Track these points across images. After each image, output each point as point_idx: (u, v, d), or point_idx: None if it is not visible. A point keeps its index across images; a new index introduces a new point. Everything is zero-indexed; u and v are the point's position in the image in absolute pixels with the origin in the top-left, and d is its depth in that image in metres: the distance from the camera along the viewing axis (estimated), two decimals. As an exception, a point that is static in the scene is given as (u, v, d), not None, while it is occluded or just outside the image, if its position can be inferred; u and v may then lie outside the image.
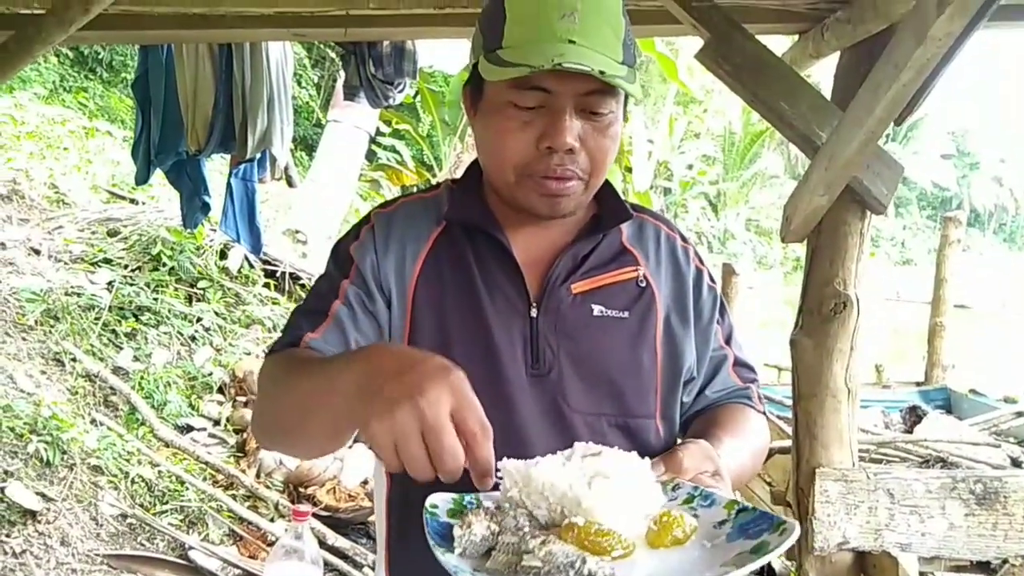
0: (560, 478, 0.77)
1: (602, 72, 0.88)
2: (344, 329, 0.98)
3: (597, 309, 1.01)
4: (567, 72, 0.88)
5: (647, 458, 0.85)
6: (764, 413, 1.17)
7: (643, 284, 1.05)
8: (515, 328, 0.99)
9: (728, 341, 1.14)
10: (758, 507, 0.82)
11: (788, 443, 2.01)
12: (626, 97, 1.00)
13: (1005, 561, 1.91)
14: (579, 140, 0.94)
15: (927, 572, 2.39)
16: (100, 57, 9.25)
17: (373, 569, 3.29)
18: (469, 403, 0.70)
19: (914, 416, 2.66)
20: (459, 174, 1.13)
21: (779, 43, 2.50)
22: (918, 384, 3.33)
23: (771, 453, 2.30)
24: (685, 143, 19.91)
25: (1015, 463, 2.14)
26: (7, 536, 3.09)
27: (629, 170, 11.48)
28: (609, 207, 1.07)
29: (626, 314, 1.02)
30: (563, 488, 0.76)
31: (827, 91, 2.00)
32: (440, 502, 0.85)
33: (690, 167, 19.76)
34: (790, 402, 1.94)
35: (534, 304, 1.00)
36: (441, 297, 1.01)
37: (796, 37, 2.22)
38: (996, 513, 1.88)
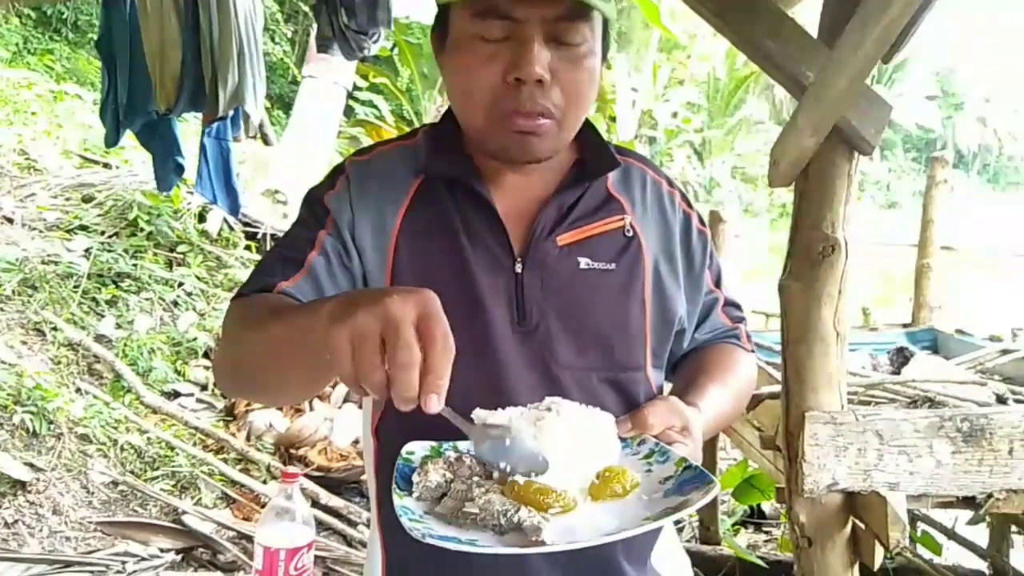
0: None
1: None
2: (319, 281, 0.94)
3: (583, 262, 0.98)
4: None
5: (609, 413, 0.85)
6: (752, 351, 1.17)
7: (630, 233, 1.01)
8: (500, 284, 0.96)
9: (717, 283, 1.13)
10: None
11: (777, 388, 2.01)
12: (605, 34, 0.95)
13: (990, 495, 1.93)
14: (550, 72, 0.88)
15: (915, 509, 2.43)
16: (64, 17, 8.94)
17: (368, 526, 3.33)
18: (436, 314, 0.65)
19: (901, 357, 2.67)
20: None
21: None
22: (905, 326, 3.34)
23: (761, 398, 2.30)
24: (669, 90, 19.64)
25: (1000, 400, 2.16)
26: (-3, 507, 3.08)
27: (613, 119, 11.35)
28: (593, 153, 1.02)
29: (613, 266, 0.99)
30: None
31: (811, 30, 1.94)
32: (417, 449, 0.87)
33: (675, 115, 19.53)
34: (779, 347, 1.93)
35: (519, 259, 0.97)
36: (423, 254, 0.97)
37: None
38: (982, 449, 1.89)
